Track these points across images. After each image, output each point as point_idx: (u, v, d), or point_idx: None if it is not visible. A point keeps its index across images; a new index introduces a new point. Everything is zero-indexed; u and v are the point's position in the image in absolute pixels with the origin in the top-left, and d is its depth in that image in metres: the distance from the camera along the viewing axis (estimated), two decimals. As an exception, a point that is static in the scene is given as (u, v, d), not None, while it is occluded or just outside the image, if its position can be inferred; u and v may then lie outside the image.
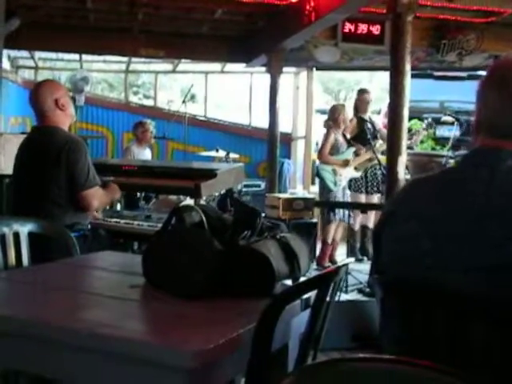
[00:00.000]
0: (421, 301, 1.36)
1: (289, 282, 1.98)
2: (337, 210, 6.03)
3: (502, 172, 1.31)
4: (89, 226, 3.36)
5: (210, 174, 3.71)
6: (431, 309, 1.33)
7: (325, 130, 6.44)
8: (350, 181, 6.32)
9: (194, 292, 1.81)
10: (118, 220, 3.78)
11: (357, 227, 6.55)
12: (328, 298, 1.74)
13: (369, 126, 6.08)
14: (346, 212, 6.01)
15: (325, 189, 6.19)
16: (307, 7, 5.60)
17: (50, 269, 2.18)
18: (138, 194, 4.80)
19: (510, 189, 1.30)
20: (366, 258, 6.48)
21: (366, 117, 6.37)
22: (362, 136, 6.09)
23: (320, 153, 6.27)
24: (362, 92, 6.52)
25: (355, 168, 6.20)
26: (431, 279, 1.33)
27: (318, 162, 6.59)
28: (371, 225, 6.51)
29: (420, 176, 1.51)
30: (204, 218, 2.07)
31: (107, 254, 2.56)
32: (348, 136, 6.32)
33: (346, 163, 6.07)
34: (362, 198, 6.33)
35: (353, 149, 6.21)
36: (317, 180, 6.72)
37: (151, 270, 1.98)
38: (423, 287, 1.35)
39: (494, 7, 6.16)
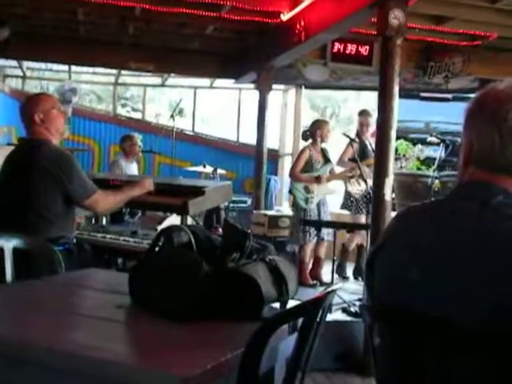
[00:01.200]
0: (408, 330, 1.37)
1: (277, 305, 1.97)
2: (311, 229, 5.92)
3: (492, 207, 1.32)
4: (74, 240, 3.35)
5: (198, 192, 3.70)
6: (417, 338, 1.34)
7: (302, 144, 6.40)
8: (351, 202, 6.31)
9: (181, 314, 1.79)
10: (103, 235, 3.76)
11: (351, 247, 6.52)
12: (316, 323, 1.74)
13: (369, 148, 6.12)
14: (330, 230, 5.92)
15: (297, 206, 6.08)
16: (298, 26, 5.64)
17: (33, 286, 2.15)
18: (124, 208, 4.79)
19: (499, 225, 1.30)
20: (360, 279, 6.36)
21: (367, 141, 6.38)
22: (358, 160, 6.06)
23: (291, 170, 6.16)
24: (365, 113, 6.52)
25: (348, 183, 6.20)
26: (418, 310, 1.34)
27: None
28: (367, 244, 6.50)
29: (413, 205, 1.52)
30: (192, 239, 2.06)
31: (92, 271, 2.54)
32: (336, 154, 6.31)
33: (317, 180, 5.94)
34: (363, 219, 6.20)
35: (330, 166, 6.12)
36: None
37: (138, 291, 1.96)
38: (410, 317, 1.36)
39: (480, 31, 6.24)
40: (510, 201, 1.32)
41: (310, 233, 5.93)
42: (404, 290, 1.39)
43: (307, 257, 6.11)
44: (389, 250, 1.47)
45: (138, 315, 1.88)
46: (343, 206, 6.47)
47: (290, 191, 6.25)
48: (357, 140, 6.23)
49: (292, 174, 6.13)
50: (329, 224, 5.93)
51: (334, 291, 1.71)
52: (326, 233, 5.97)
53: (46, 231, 3.11)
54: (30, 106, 3.33)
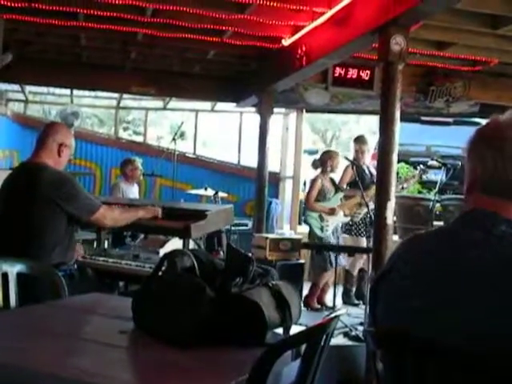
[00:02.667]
0: (410, 357, 1.37)
1: (280, 330, 1.97)
2: (332, 257, 6.00)
3: (496, 236, 1.33)
4: (75, 266, 3.35)
5: (200, 215, 3.71)
6: (420, 366, 1.33)
7: (312, 173, 6.50)
8: (351, 225, 6.35)
9: (184, 340, 1.79)
10: (105, 259, 3.75)
11: (355, 272, 6.54)
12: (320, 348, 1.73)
13: (367, 172, 6.15)
14: (342, 257, 6.05)
15: (313, 235, 6.23)
16: (299, 51, 5.68)
17: (37, 311, 2.15)
18: (125, 232, 4.78)
19: (503, 255, 1.30)
20: (361, 302, 6.41)
21: (365, 166, 6.43)
22: (358, 183, 6.11)
23: (307, 200, 6.30)
24: (356, 140, 6.57)
25: (346, 214, 6.25)
26: (421, 338, 1.34)
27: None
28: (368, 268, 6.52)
29: (418, 233, 1.52)
30: (195, 263, 2.06)
31: (95, 296, 2.53)
32: (337, 181, 6.37)
33: (332, 211, 6.11)
34: (363, 242, 6.31)
35: (340, 194, 6.25)
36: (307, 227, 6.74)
37: (141, 316, 1.96)
38: (413, 344, 1.36)
39: (481, 57, 6.29)
40: None
41: (331, 260, 5.99)
42: (407, 317, 1.39)
43: (322, 283, 6.19)
44: (393, 277, 1.48)
45: (141, 341, 1.88)
46: (344, 231, 6.51)
47: (306, 221, 6.40)
48: (355, 164, 6.27)
49: (307, 204, 6.26)
50: (330, 247, 5.96)
51: (337, 317, 1.71)
52: (340, 260, 6.05)
53: (48, 257, 3.12)
54: (53, 130, 3.36)
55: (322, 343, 1.70)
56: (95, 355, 1.72)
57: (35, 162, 3.30)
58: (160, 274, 2.06)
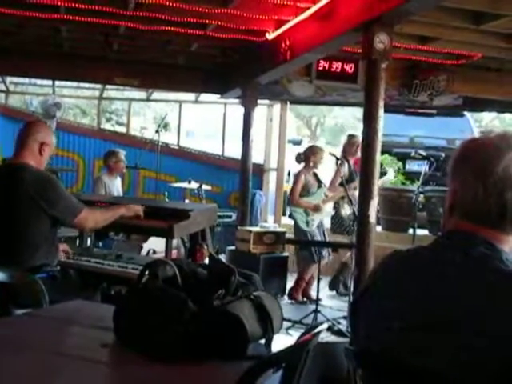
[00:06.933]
0: (389, 377, 1.38)
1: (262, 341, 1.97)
2: (323, 252, 6.06)
3: (474, 258, 1.33)
4: (58, 267, 3.33)
5: (184, 215, 3.70)
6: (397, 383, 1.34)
7: (296, 167, 6.53)
8: (334, 223, 6.41)
9: (166, 354, 1.78)
10: (88, 259, 3.72)
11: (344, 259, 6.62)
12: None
13: (346, 169, 6.17)
14: (328, 251, 6.15)
15: (298, 229, 6.27)
16: (283, 46, 5.66)
17: (15, 323, 2.12)
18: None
19: (480, 279, 1.30)
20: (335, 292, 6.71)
21: (351, 159, 6.45)
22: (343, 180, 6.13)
23: (291, 196, 6.35)
24: (351, 137, 6.59)
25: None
26: (399, 359, 1.34)
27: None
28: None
29: (398, 251, 1.52)
30: (178, 273, 2.05)
31: (78, 303, 2.51)
32: (320, 176, 6.41)
33: (316, 208, 6.17)
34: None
35: (324, 189, 6.30)
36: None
37: (123, 329, 1.95)
38: (391, 365, 1.36)
39: (465, 51, 6.31)
40: (492, 252, 1.33)
41: (315, 254, 6.03)
42: (386, 338, 1.40)
43: (308, 276, 6.24)
44: (373, 296, 1.48)
45: (122, 355, 1.86)
46: (332, 230, 6.58)
47: (291, 215, 6.46)
48: (344, 161, 6.28)
49: (293, 200, 6.32)
50: (314, 243, 6.02)
51: (318, 333, 1.71)
52: (328, 254, 6.19)
53: (31, 259, 3.10)
54: (33, 129, 3.32)
55: (303, 359, 1.70)
56: (75, 374, 1.70)
57: (17, 162, 3.28)
58: (142, 285, 2.04)
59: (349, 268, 6.67)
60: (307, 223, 6.17)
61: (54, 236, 3.32)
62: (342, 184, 5.79)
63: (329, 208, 6.51)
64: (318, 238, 6.23)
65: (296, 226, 6.31)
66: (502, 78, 7.27)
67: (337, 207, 6.43)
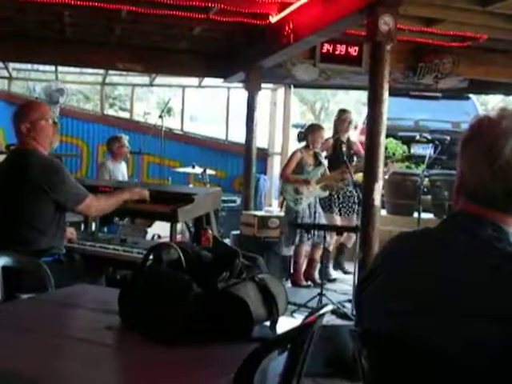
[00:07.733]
0: (396, 358, 1.37)
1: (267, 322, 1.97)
2: (305, 233, 5.97)
3: (481, 240, 1.31)
4: (63, 251, 3.34)
5: (188, 199, 3.69)
6: (406, 367, 1.34)
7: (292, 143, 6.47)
8: (322, 201, 6.30)
9: (171, 336, 1.78)
10: (92, 243, 3.73)
11: (331, 248, 6.55)
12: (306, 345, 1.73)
13: (344, 149, 6.06)
14: (321, 233, 5.92)
15: (288, 208, 6.17)
16: (286, 29, 5.62)
17: (20, 307, 2.13)
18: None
19: (486, 260, 1.29)
20: (340, 271, 6.71)
21: (345, 137, 6.39)
22: (337, 157, 6.11)
23: (282, 170, 6.26)
24: (342, 112, 6.54)
25: (323, 188, 6.18)
26: (405, 340, 1.34)
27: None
28: (350, 245, 6.56)
29: (405, 232, 1.50)
30: (182, 256, 2.05)
31: (82, 287, 2.52)
32: (323, 155, 6.31)
33: (306, 183, 5.99)
34: (337, 220, 6.34)
35: (321, 169, 6.14)
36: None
37: (128, 312, 1.95)
38: (394, 346, 1.36)
39: (470, 33, 6.24)
40: (499, 234, 1.31)
41: (303, 234, 5.96)
42: (391, 319, 1.39)
43: (301, 258, 6.17)
44: (379, 278, 1.47)
45: (127, 338, 1.87)
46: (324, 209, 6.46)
47: (281, 193, 6.31)
48: (345, 143, 6.23)
49: (283, 175, 6.20)
50: (318, 227, 5.92)
51: (323, 315, 1.71)
52: (319, 236, 5.97)
53: (37, 242, 3.12)
54: (17, 115, 3.31)
55: (308, 341, 1.70)
56: (79, 356, 1.70)
57: (22, 147, 3.30)
58: (146, 268, 2.05)
59: (347, 249, 6.69)
60: (295, 202, 6.03)
61: (60, 220, 3.32)
62: (344, 162, 5.71)
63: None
64: (306, 218, 6.06)
65: (286, 204, 6.22)
66: (508, 60, 7.19)
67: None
